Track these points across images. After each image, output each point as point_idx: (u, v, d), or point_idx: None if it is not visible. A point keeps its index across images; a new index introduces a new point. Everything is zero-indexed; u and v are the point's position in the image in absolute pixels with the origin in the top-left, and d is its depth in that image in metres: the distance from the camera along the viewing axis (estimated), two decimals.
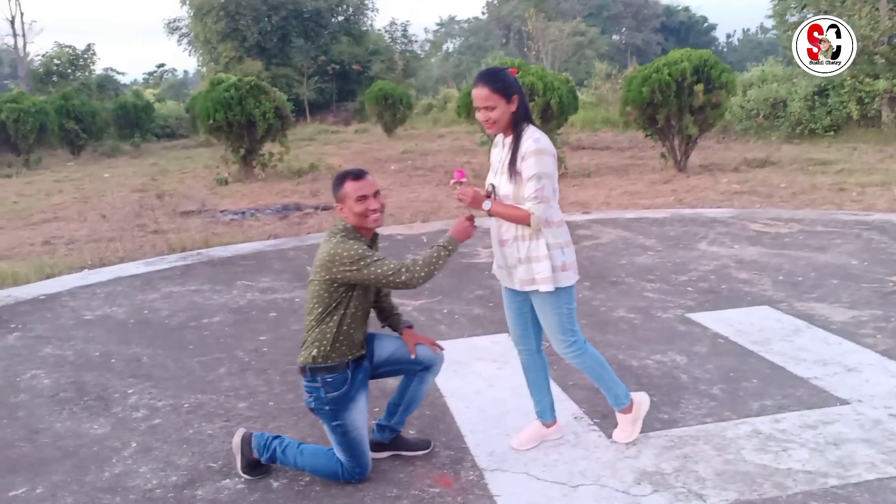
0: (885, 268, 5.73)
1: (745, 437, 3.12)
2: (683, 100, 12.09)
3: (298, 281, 6.20)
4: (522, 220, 2.79)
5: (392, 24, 44.70)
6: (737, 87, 14.04)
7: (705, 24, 71.97)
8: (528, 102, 3.01)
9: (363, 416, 2.93)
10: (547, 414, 3.17)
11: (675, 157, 12.95)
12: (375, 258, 2.79)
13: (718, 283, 5.56)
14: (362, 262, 2.76)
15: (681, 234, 7.39)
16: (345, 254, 2.77)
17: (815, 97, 17.73)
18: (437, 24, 65.67)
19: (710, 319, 4.68)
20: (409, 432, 3.29)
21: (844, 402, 3.39)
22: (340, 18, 42.10)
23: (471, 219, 2.90)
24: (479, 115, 2.84)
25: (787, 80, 19.57)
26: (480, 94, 2.81)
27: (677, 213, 8.78)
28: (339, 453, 2.92)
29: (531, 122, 2.87)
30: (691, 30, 68.73)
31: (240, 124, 13.67)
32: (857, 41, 16.26)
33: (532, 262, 2.84)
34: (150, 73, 54.14)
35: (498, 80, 2.81)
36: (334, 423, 2.88)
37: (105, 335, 5.02)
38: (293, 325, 5.00)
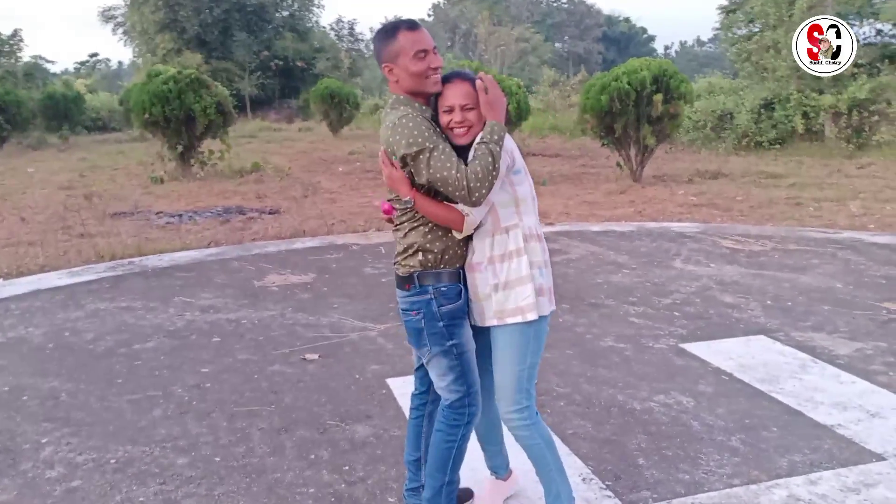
0: (872, 292, 5.47)
1: None
2: (642, 109, 11.85)
3: (245, 298, 5.55)
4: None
5: (338, 21, 44.02)
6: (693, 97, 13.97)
7: (644, 36, 73.50)
8: None
9: (472, 337, 2.42)
10: (502, 468, 2.72)
11: (630, 167, 12.73)
12: (438, 149, 2.19)
13: (705, 307, 5.18)
14: (422, 156, 2.19)
15: (652, 251, 7.03)
16: (402, 140, 2.20)
17: (762, 110, 17.89)
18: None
19: (706, 351, 4.27)
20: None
21: (880, 458, 3.01)
22: (285, 14, 41.12)
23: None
24: (454, 117, 2.24)
25: (734, 92, 19.74)
26: (462, 90, 2.24)
27: (642, 226, 8.46)
28: (448, 384, 2.35)
29: None
30: (631, 40, 70.07)
31: (178, 119, 12.83)
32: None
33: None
34: (83, 63, 51.87)
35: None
36: (449, 343, 2.32)
37: (17, 363, 4.29)
38: (240, 354, 4.37)
